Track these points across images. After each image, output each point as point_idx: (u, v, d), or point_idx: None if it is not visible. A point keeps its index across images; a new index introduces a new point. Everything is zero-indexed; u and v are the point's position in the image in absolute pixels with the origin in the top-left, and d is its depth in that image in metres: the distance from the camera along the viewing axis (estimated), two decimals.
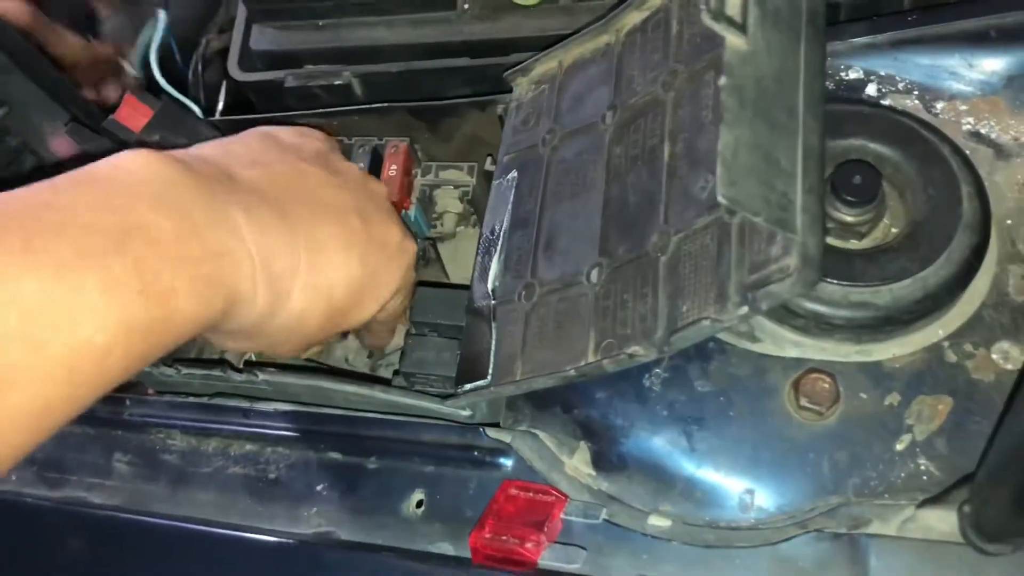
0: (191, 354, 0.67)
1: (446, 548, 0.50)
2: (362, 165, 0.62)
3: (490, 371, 0.51)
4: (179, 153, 0.47)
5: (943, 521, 0.43)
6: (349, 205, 0.53)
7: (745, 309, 0.40)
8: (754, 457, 0.48)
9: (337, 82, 0.69)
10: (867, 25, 0.56)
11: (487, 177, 0.62)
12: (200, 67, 0.86)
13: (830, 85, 0.56)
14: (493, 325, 0.53)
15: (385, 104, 0.66)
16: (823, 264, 0.40)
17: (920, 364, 0.48)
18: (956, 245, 0.47)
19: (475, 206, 0.67)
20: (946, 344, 0.48)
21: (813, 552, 0.45)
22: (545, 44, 0.61)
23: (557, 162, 0.56)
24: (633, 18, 0.56)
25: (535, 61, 0.62)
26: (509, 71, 0.63)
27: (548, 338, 0.49)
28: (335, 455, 0.56)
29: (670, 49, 0.52)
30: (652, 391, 0.50)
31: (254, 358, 0.67)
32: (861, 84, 0.55)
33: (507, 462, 0.52)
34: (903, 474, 0.46)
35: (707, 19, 0.41)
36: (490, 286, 0.54)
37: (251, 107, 0.75)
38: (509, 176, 0.58)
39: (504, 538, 0.48)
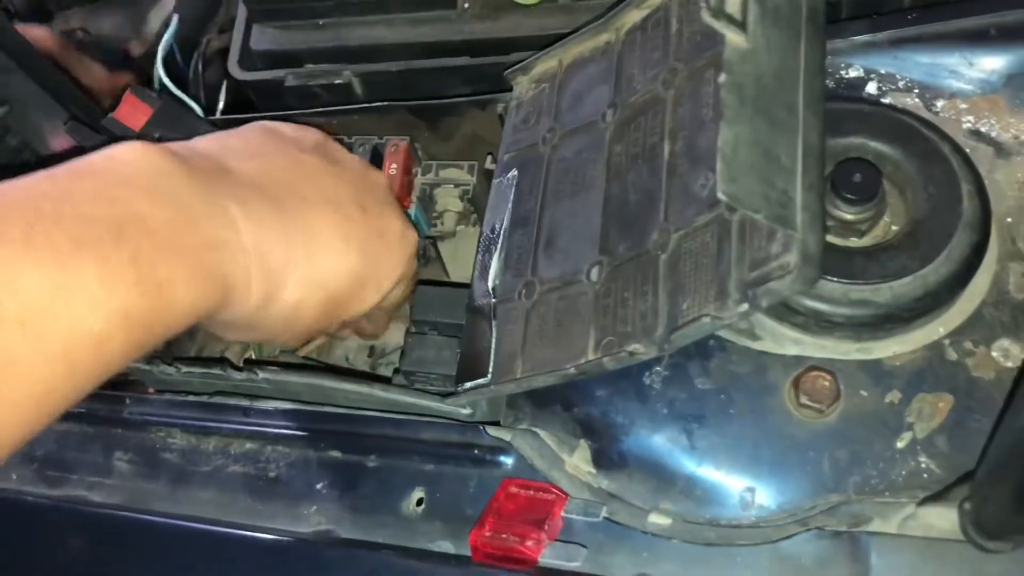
0: (191, 353, 0.67)
1: (446, 546, 0.50)
2: None
3: (490, 369, 0.51)
4: (176, 146, 0.47)
5: (944, 519, 0.43)
6: (348, 196, 0.53)
7: (745, 306, 0.41)
8: (755, 455, 0.48)
9: (337, 81, 0.69)
10: (867, 23, 0.56)
11: (487, 176, 0.62)
12: (201, 66, 0.86)
13: (830, 83, 0.56)
14: (493, 323, 0.53)
15: (385, 103, 0.66)
16: (823, 262, 0.40)
17: (921, 362, 0.48)
18: (956, 243, 0.47)
19: (475, 205, 0.67)
20: (947, 342, 0.48)
21: (814, 550, 0.45)
22: (545, 43, 0.61)
23: (557, 161, 0.56)
24: (633, 16, 0.56)
25: (535, 60, 0.62)
26: (509, 70, 0.63)
27: (548, 336, 0.49)
28: (335, 453, 0.56)
29: (670, 47, 0.52)
30: (652, 389, 0.50)
31: (254, 356, 0.67)
32: (861, 82, 0.55)
33: (507, 460, 0.52)
34: (904, 472, 0.46)
35: (707, 17, 0.41)
36: (490, 284, 0.54)
37: (252, 106, 0.75)
38: (509, 175, 0.58)
39: (504, 536, 0.48)
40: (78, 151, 0.43)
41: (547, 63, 0.61)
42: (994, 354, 0.47)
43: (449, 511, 0.51)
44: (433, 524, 0.51)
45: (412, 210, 0.65)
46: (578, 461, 0.51)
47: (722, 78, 0.41)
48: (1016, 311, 0.48)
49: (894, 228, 0.50)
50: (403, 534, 0.52)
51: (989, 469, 0.40)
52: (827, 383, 0.47)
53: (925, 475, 0.45)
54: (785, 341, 0.49)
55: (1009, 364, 0.47)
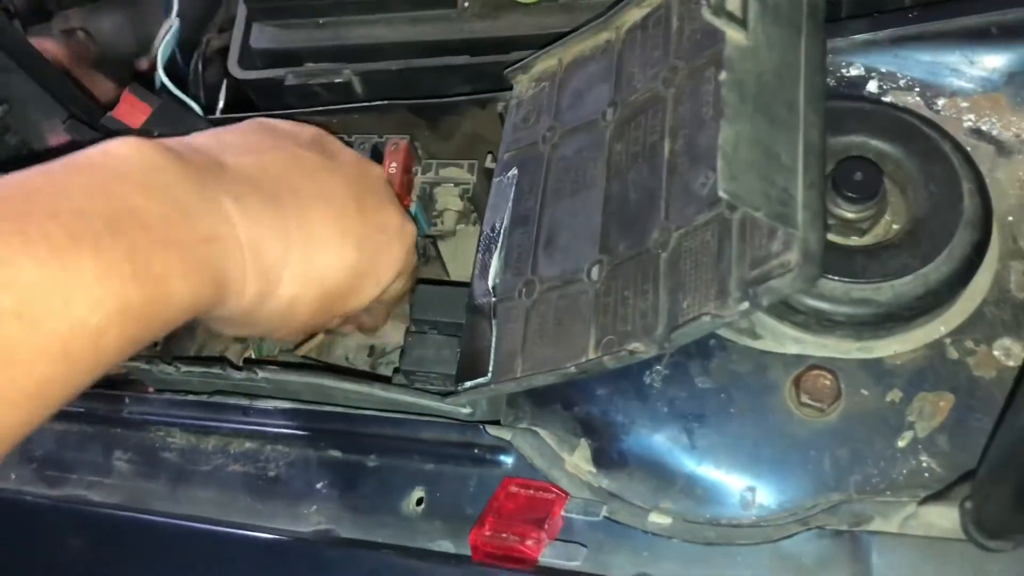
0: (191, 352, 0.67)
1: (446, 546, 0.50)
2: None
3: (490, 368, 0.51)
4: (171, 142, 0.47)
5: (945, 518, 0.43)
6: (345, 190, 0.53)
7: (746, 305, 0.40)
8: (755, 454, 0.47)
9: (337, 80, 0.69)
10: (868, 22, 0.56)
11: (487, 175, 0.62)
12: (201, 66, 0.86)
13: (831, 82, 0.55)
14: (493, 322, 0.53)
15: (385, 102, 0.66)
16: (824, 260, 0.40)
17: (922, 361, 0.47)
18: (957, 242, 0.47)
19: (475, 204, 0.67)
20: (948, 341, 0.48)
21: (815, 549, 0.45)
22: (545, 42, 0.61)
23: (557, 159, 0.56)
24: (633, 15, 0.56)
25: (535, 59, 0.61)
26: (509, 69, 0.62)
27: (548, 335, 0.49)
28: (335, 453, 0.56)
29: (670, 46, 0.52)
30: (653, 388, 0.50)
31: (254, 356, 0.67)
32: (862, 81, 0.55)
33: (507, 460, 0.51)
34: (905, 471, 0.45)
35: (707, 14, 0.41)
36: (490, 283, 0.54)
37: (252, 105, 0.75)
38: (509, 173, 0.58)
39: (504, 535, 0.47)
40: (75, 147, 0.43)
41: (547, 62, 0.61)
42: (995, 353, 0.47)
43: (449, 510, 0.51)
44: (433, 523, 0.51)
45: (412, 209, 0.65)
46: (578, 460, 0.51)
47: (722, 75, 0.41)
48: (1017, 310, 0.48)
49: (895, 227, 0.49)
50: (403, 533, 0.52)
51: (990, 468, 0.40)
52: (828, 382, 0.47)
53: (926, 474, 0.45)
54: (786, 340, 0.49)
55: (1010, 363, 0.47)
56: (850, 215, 0.48)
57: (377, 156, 0.64)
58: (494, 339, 0.52)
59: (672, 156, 0.48)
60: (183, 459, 0.59)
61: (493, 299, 0.54)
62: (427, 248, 0.67)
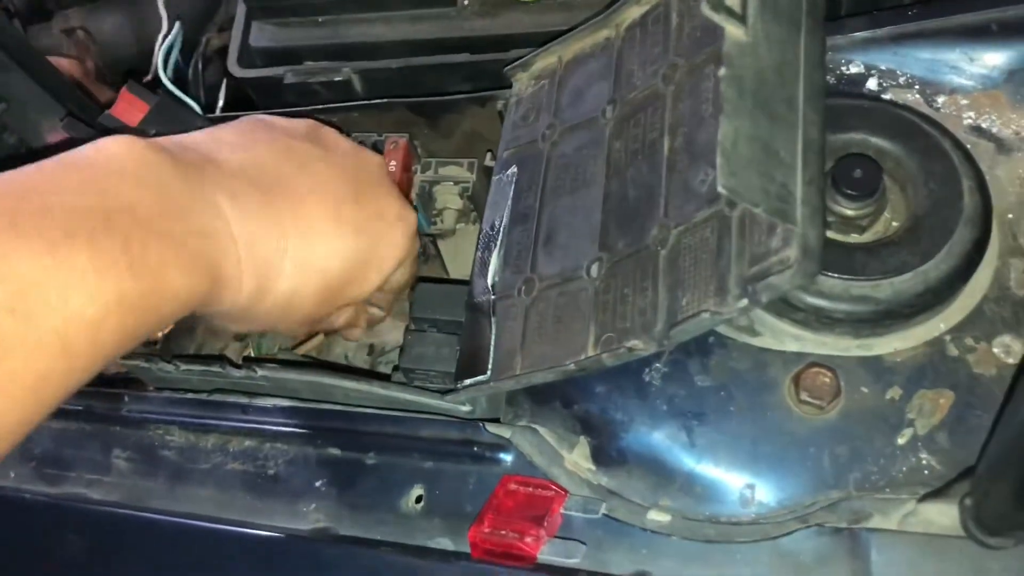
0: (190, 350, 0.67)
1: (445, 543, 0.50)
2: None
3: (490, 366, 0.51)
4: (164, 140, 0.47)
5: (944, 515, 0.43)
6: (341, 180, 0.53)
7: (745, 302, 0.40)
8: (754, 452, 0.47)
9: (337, 78, 0.69)
10: (868, 19, 0.56)
11: (487, 173, 0.62)
12: (200, 65, 0.86)
13: (831, 80, 0.55)
14: (493, 320, 0.52)
15: (385, 100, 0.66)
16: (823, 257, 0.40)
17: (921, 358, 0.47)
18: (957, 239, 0.47)
19: (475, 202, 0.67)
20: (947, 338, 0.48)
21: (814, 546, 0.45)
22: (545, 40, 0.61)
23: (557, 157, 0.56)
24: (633, 13, 0.56)
25: (535, 56, 0.61)
26: (509, 67, 0.62)
27: (548, 333, 0.49)
28: (334, 451, 0.56)
29: (670, 43, 0.52)
30: (652, 386, 0.50)
31: (253, 354, 0.67)
32: (862, 78, 0.55)
33: (507, 457, 0.51)
34: (904, 468, 0.45)
35: (707, 10, 0.41)
36: (490, 281, 0.54)
37: (251, 104, 0.75)
38: (509, 171, 0.58)
39: (503, 533, 0.47)
40: (71, 144, 0.43)
41: (547, 60, 0.61)
42: (995, 350, 0.47)
43: (448, 508, 0.51)
44: (432, 521, 0.51)
45: None
46: (577, 458, 0.51)
47: (722, 71, 0.41)
48: (1017, 307, 0.48)
49: (895, 224, 0.49)
50: (402, 531, 0.51)
51: (989, 465, 0.40)
52: (827, 379, 0.47)
53: (926, 471, 0.45)
54: (785, 337, 0.49)
55: (1010, 360, 0.47)
56: (850, 212, 0.48)
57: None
58: (493, 337, 0.52)
59: (671, 153, 0.48)
60: (182, 457, 0.59)
61: (492, 297, 0.54)
62: (427, 247, 0.67)
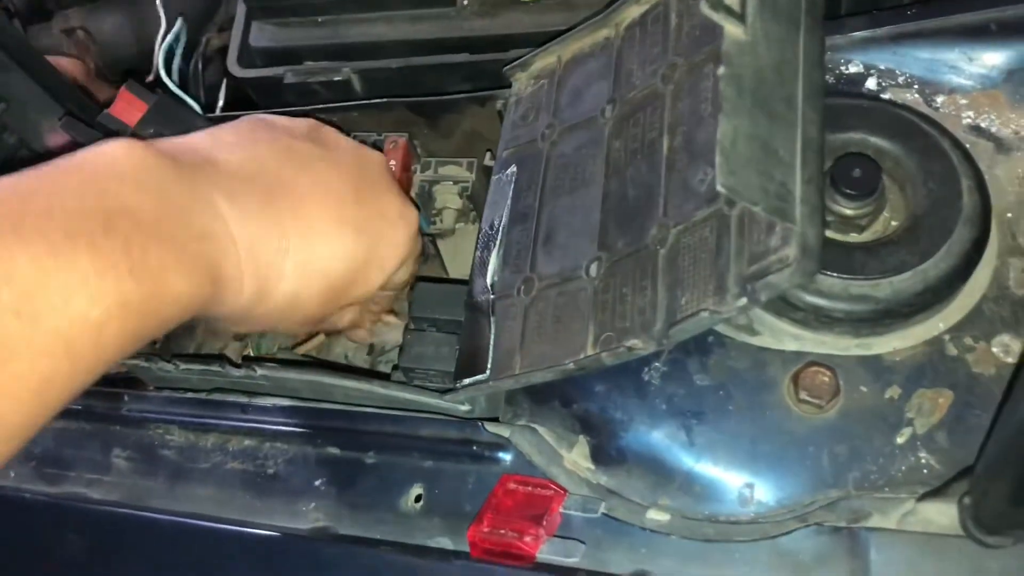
0: (190, 349, 0.67)
1: (444, 542, 0.50)
2: None
3: (489, 365, 0.51)
4: (164, 142, 0.47)
5: (943, 514, 0.43)
6: (342, 180, 0.53)
7: (744, 300, 0.40)
8: (753, 451, 0.47)
9: (336, 78, 0.69)
10: (867, 19, 0.56)
11: (487, 173, 0.62)
12: (200, 65, 0.86)
13: (830, 79, 0.55)
14: (492, 320, 0.52)
15: (384, 100, 0.66)
16: (822, 256, 0.40)
17: (920, 357, 0.47)
18: (956, 238, 0.47)
19: (475, 202, 0.67)
20: (946, 337, 0.48)
21: (813, 546, 0.45)
22: (544, 39, 0.61)
23: (556, 157, 0.56)
24: (632, 12, 0.56)
25: (534, 56, 0.61)
26: (508, 66, 0.62)
27: (547, 332, 0.49)
28: (333, 450, 0.56)
29: (669, 42, 0.52)
30: (651, 385, 0.50)
31: (252, 353, 0.67)
32: (861, 78, 0.55)
33: (506, 456, 0.51)
34: (903, 467, 0.45)
35: (705, 8, 0.41)
36: (489, 281, 0.54)
37: (251, 104, 0.75)
38: (508, 171, 0.58)
39: (503, 532, 0.47)
40: (72, 147, 0.43)
41: (546, 59, 0.61)
42: (994, 350, 0.47)
43: (447, 507, 0.51)
44: (431, 520, 0.51)
45: None
46: (577, 457, 0.51)
47: (721, 70, 0.41)
48: (1016, 307, 0.48)
49: (894, 223, 0.49)
50: (401, 530, 0.51)
51: (988, 464, 0.40)
52: (827, 379, 0.47)
53: (925, 471, 0.45)
54: (784, 337, 0.49)
55: (1009, 360, 0.47)
56: (849, 211, 0.48)
57: None
58: (493, 336, 0.52)
59: (671, 153, 0.48)
60: (182, 456, 0.59)
61: (492, 296, 0.54)
62: (426, 246, 0.66)
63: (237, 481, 0.57)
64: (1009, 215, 0.50)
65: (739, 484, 0.47)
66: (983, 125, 0.53)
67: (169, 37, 0.81)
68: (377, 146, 0.65)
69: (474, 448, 0.52)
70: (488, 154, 0.64)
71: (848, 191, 0.48)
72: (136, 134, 0.63)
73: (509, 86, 0.63)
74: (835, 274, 0.46)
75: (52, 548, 0.60)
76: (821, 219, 0.41)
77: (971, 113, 0.53)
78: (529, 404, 0.53)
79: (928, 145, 0.50)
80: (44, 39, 0.96)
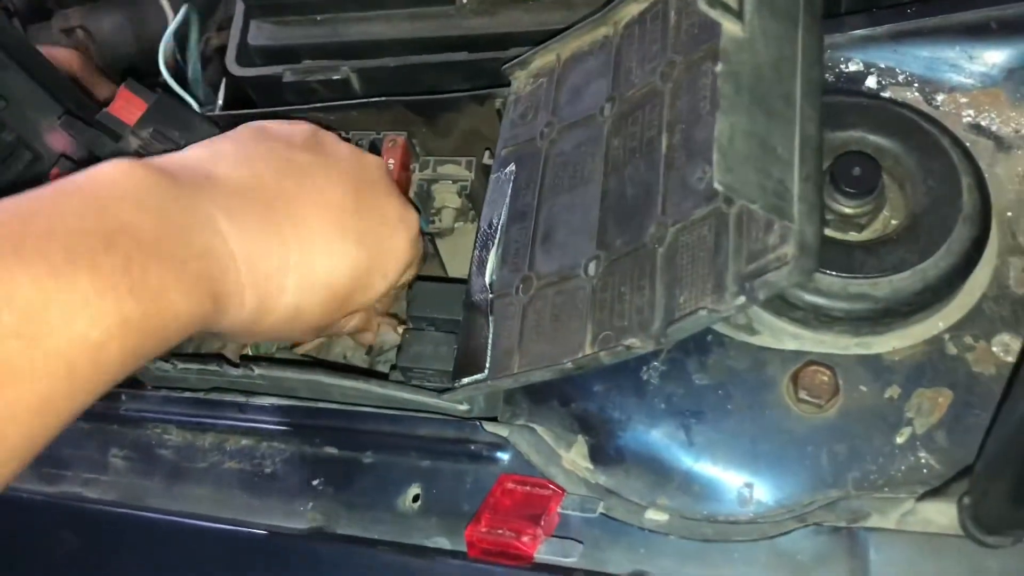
0: (188, 349, 0.66)
1: (442, 542, 0.50)
2: None
3: (487, 365, 0.51)
4: (162, 160, 0.47)
5: (943, 514, 0.43)
6: (342, 188, 0.53)
7: (742, 299, 0.40)
8: (753, 451, 0.47)
9: (335, 77, 0.69)
10: (867, 17, 0.56)
11: (485, 172, 0.62)
12: (200, 64, 0.86)
13: (830, 78, 0.55)
14: (490, 319, 0.52)
15: (383, 98, 0.66)
16: (822, 254, 0.40)
17: (920, 357, 0.47)
18: (956, 237, 0.47)
19: (473, 201, 0.66)
20: (946, 337, 0.47)
21: (812, 546, 0.44)
22: (543, 38, 0.61)
23: (555, 155, 0.56)
24: (631, 10, 0.56)
25: (533, 54, 0.61)
26: (507, 65, 0.62)
27: (545, 331, 0.49)
28: (331, 449, 0.55)
29: (668, 40, 0.52)
30: (650, 384, 0.50)
31: (251, 353, 0.67)
32: (861, 76, 0.55)
33: (504, 456, 0.51)
34: (903, 467, 0.45)
35: (704, 6, 0.41)
36: (487, 280, 0.54)
37: (250, 103, 0.75)
38: (507, 169, 0.58)
39: (500, 532, 0.47)
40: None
41: (545, 58, 0.61)
42: (994, 349, 0.47)
43: (445, 507, 0.51)
44: (429, 520, 0.51)
45: None
46: (575, 457, 0.51)
47: (718, 67, 0.40)
48: (1016, 306, 0.48)
49: (893, 222, 0.49)
50: (399, 530, 0.51)
51: (987, 463, 0.40)
52: (826, 378, 0.47)
53: (924, 470, 0.45)
54: (783, 336, 0.49)
55: (1009, 359, 0.46)
56: (848, 210, 0.48)
57: (375, 153, 0.64)
58: (491, 335, 0.52)
59: (669, 151, 0.48)
60: (179, 456, 0.59)
61: (490, 295, 0.53)
62: (425, 246, 0.66)
63: (234, 480, 0.57)
64: (1009, 214, 0.50)
65: (738, 484, 0.47)
66: (983, 123, 0.53)
67: (172, 26, 0.81)
68: (376, 145, 0.65)
69: (472, 448, 0.52)
70: (487, 153, 0.64)
71: (848, 189, 0.48)
72: (136, 132, 0.63)
73: (508, 84, 0.63)
74: (834, 273, 0.46)
75: (49, 548, 0.60)
76: (819, 217, 0.41)
77: (971, 111, 0.53)
78: (527, 403, 0.53)
79: (928, 143, 0.49)
80: (44, 38, 0.96)
